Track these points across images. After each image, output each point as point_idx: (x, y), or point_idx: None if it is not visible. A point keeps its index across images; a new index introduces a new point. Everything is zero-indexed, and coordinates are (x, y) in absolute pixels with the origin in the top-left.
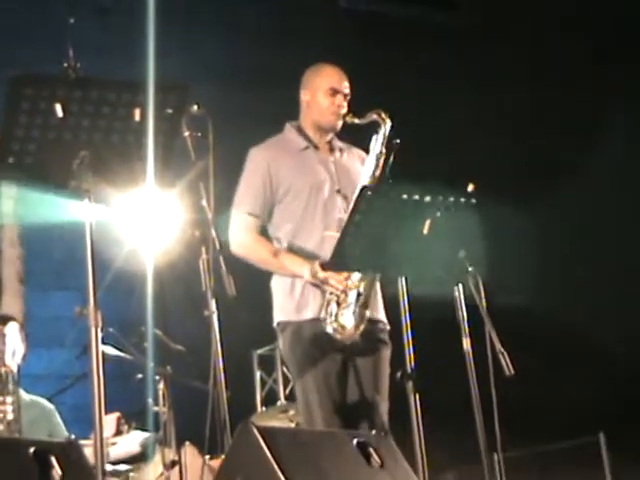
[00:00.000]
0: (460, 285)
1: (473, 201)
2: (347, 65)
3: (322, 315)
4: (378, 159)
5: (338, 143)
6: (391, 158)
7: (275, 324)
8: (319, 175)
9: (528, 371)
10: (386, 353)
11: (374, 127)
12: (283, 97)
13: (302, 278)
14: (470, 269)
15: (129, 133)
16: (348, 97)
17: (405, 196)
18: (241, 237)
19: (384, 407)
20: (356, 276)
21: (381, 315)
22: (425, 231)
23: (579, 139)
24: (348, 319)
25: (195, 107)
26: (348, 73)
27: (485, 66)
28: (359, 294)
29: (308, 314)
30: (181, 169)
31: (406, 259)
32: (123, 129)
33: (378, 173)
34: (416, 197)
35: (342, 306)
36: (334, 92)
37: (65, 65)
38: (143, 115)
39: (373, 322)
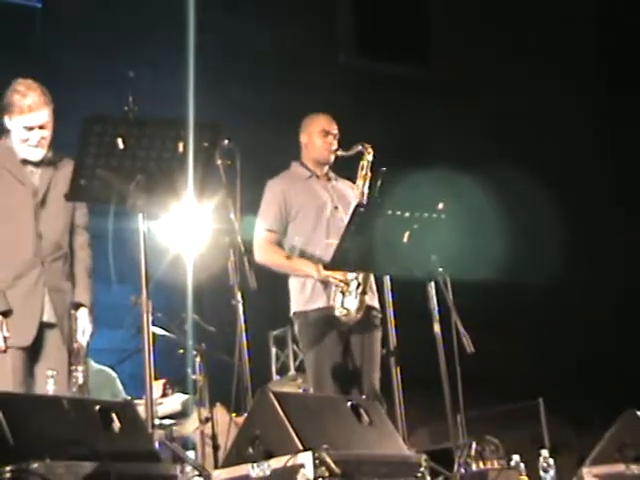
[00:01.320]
0: (432, 282)
1: (443, 217)
2: (342, 110)
3: (331, 303)
4: (365, 181)
5: (332, 175)
6: (379, 183)
7: (291, 314)
8: (322, 198)
9: (486, 349)
10: (378, 334)
11: (359, 157)
12: (293, 134)
13: (312, 277)
14: (440, 269)
15: (174, 161)
16: (337, 137)
17: (390, 212)
18: (262, 248)
19: (376, 377)
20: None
21: (375, 303)
22: (405, 240)
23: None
24: (351, 304)
25: (226, 141)
26: (343, 116)
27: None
28: (359, 284)
29: (316, 305)
30: (214, 189)
31: (391, 262)
32: (170, 158)
33: (366, 190)
34: (398, 213)
35: (346, 295)
36: (326, 133)
37: (125, 108)
38: (185, 147)
39: (369, 308)
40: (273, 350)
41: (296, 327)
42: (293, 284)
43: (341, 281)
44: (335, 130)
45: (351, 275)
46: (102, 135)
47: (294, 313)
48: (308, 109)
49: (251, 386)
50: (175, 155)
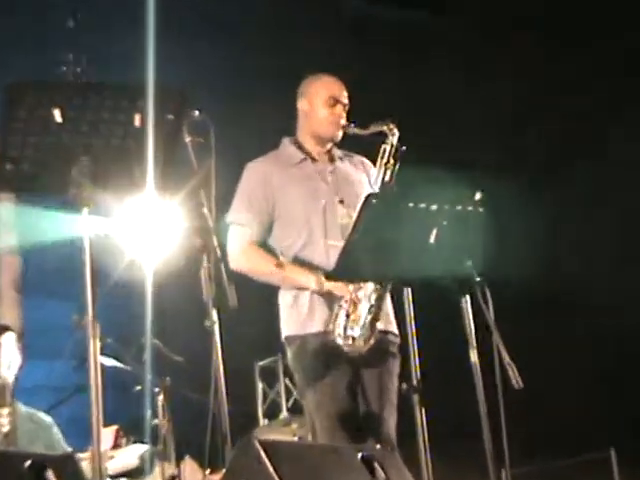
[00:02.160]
0: (467, 296)
1: (481, 210)
2: (347, 68)
3: (330, 327)
4: (386, 169)
5: (338, 152)
6: (397, 165)
7: (282, 338)
8: (313, 185)
9: (537, 384)
10: (395, 366)
11: (380, 137)
12: (284, 103)
13: (308, 290)
14: (478, 279)
15: (129, 139)
16: (347, 107)
17: (411, 204)
18: (239, 250)
19: (392, 421)
20: (369, 287)
21: (392, 326)
22: (432, 240)
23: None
24: (357, 332)
25: (197, 112)
26: (348, 75)
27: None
28: (371, 306)
29: (315, 327)
30: (182, 176)
31: (412, 269)
32: (123, 135)
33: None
34: (422, 205)
35: (351, 318)
36: (334, 102)
37: (64, 69)
38: (143, 120)
39: (383, 333)
40: (260, 386)
41: (289, 356)
42: (284, 299)
43: (346, 300)
44: (345, 98)
45: (361, 293)
46: (33, 106)
47: (286, 338)
48: (304, 71)
49: (231, 433)
50: (130, 130)
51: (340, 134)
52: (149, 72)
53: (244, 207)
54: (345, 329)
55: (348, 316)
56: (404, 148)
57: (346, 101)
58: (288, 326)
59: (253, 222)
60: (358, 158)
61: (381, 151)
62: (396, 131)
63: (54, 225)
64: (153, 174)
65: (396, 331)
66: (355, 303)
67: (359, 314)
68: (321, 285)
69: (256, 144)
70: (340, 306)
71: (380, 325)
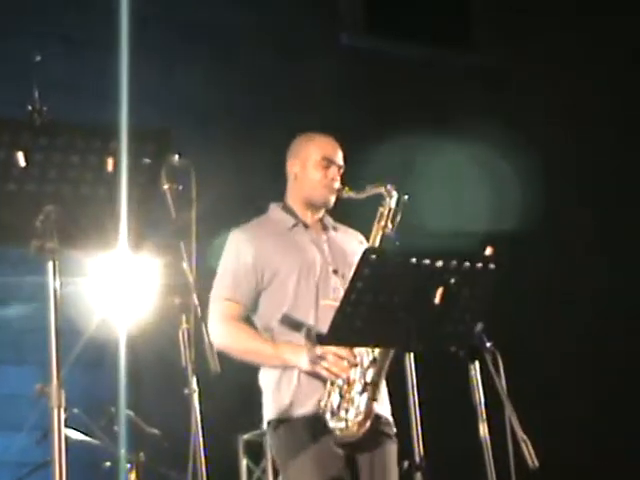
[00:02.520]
0: (477, 363)
1: (491, 266)
2: (349, 106)
3: (322, 408)
4: (384, 231)
5: (330, 221)
6: (398, 217)
7: (265, 423)
8: (309, 254)
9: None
10: (392, 448)
11: (377, 199)
12: (276, 144)
13: (297, 367)
14: (488, 345)
15: (101, 185)
16: (342, 170)
17: (414, 260)
18: (220, 326)
19: None
20: (365, 362)
21: (385, 409)
22: (437, 300)
23: None
24: (352, 414)
25: (176, 157)
26: (350, 114)
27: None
28: (366, 384)
29: (303, 409)
30: (159, 227)
31: (415, 332)
32: (94, 181)
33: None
34: (427, 261)
35: (346, 398)
36: (328, 163)
37: (29, 108)
38: (117, 165)
39: (376, 417)
40: (244, 462)
41: (272, 442)
42: (265, 381)
43: (337, 376)
44: (340, 159)
45: (354, 372)
46: None
47: (269, 422)
48: (298, 108)
49: None
50: (102, 176)
51: (333, 199)
52: (123, 109)
53: (227, 280)
54: (338, 410)
55: (342, 397)
56: (407, 197)
57: (341, 162)
58: (270, 410)
59: (237, 296)
60: (353, 232)
61: (378, 215)
62: (394, 193)
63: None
64: (127, 226)
65: (389, 415)
66: (349, 382)
67: (354, 394)
68: (312, 356)
69: (243, 192)
70: (333, 383)
71: (376, 407)
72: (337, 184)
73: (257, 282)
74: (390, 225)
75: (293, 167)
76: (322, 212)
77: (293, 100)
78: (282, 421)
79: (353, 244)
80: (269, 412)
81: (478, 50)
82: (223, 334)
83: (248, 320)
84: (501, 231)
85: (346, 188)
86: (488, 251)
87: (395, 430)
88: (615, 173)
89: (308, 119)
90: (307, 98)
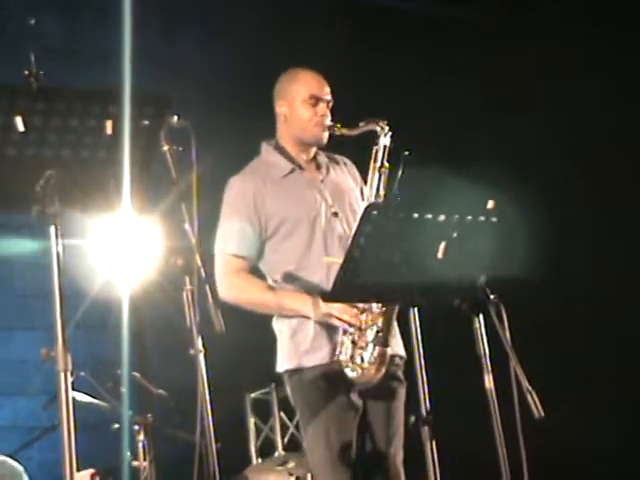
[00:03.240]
0: (481, 315)
1: (494, 219)
2: (346, 64)
3: (336, 357)
4: (381, 174)
5: (324, 158)
6: (400, 172)
7: (281, 371)
8: (308, 198)
9: (563, 411)
10: (402, 393)
11: (371, 137)
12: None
13: (307, 318)
14: (491, 296)
15: (100, 148)
16: (331, 104)
17: (416, 215)
18: (228, 280)
19: (399, 457)
20: (374, 309)
21: (399, 348)
22: (440, 255)
23: None
24: (367, 360)
25: (175, 118)
26: (347, 72)
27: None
28: (378, 331)
29: (318, 359)
30: (160, 189)
31: (418, 287)
32: (94, 144)
33: (383, 190)
34: (429, 216)
35: (359, 345)
36: (315, 100)
37: (26, 72)
38: (116, 128)
39: (390, 358)
40: (251, 421)
41: (289, 390)
42: (281, 329)
43: (351, 325)
44: (328, 94)
45: (368, 315)
46: None
47: (285, 372)
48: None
49: (220, 474)
50: (101, 139)
51: (326, 136)
52: (124, 73)
53: (230, 232)
54: (353, 358)
55: (355, 344)
56: (407, 152)
57: (329, 97)
58: (287, 359)
59: (242, 250)
60: (341, 160)
61: (373, 153)
62: (388, 130)
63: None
64: (128, 187)
65: (403, 352)
66: (361, 329)
67: (366, 340)
68: (319, 311)
69: (243, 153)
70: (345, 332)
71: (388, 349)
72: (328, 120)
73: (261, 233)
74: (386, 164)
75: (281, 108)
76: (314, 150)
77: (292, 61)
78: (297, 370)
79: (346, 178)
80: (284, 361)
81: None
82: (232, 287)
83: (255, 271)
84: None
85: (338, 125)
86: (490, 204)
87: (404, 361)
88: None
89: None
90: (305, 59)
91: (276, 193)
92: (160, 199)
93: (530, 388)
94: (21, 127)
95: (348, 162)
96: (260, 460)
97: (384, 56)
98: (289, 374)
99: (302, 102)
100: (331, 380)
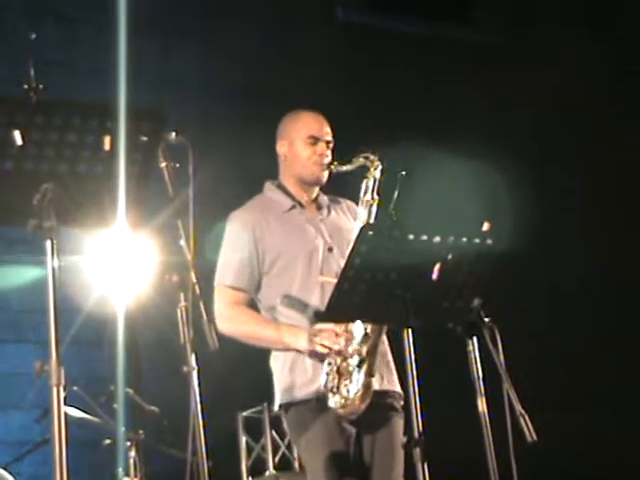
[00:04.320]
0: (475, 338)
1: (489, 242)
2: (345, 84)
3: (322, 388)
4: (370, 206)
5: (325, 199)
6: (396, 193)
7: (277, 407)
8: (311, 237)
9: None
10: (399, 422)
11: (364, 171)
12: (274, 118)
13: (299, 351)
14: (486, 320)
15: (98, 164)
16: (331, 145)
17: (412, 236)
18: (224, 311)
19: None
20: (357, 337)
21: (394, 385)
22: (434, 276)
23: None
24: (352, 390)
25: (173, 134)
26: (348, 90)
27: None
28: (362, 360)
29: (309, 392)
30: (156, 205)
31: (412, 308)
32: (91, 159)
33: (372, 220)
34: (424, 237)
35: (344, 375)
36: (315, 140)
37: (25, 86)
38: (114, 143)
39: (384, 392)
40: (243, 439)
41: (285, 424)
42: (277, 362)
43: (332, 350)
44: (328, 134)
45: (351, 345)
46: None
47: (280, 405)
48: (293, 86)
49: None
50: (99, 154)
51: (326, 175)
52: (120, 89)
53: (229, 267)
54: (338, 389)
55: (340, 374)
56: (404, 172)
57: (329, 138)
58: (281, 393)
59: (240, 282)
60: (346, 204)
61: (363, 187)
62: (378, 163)
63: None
64: (124, 203)
65: (399, 390)
66: (344, 357)
67: (351, 369)
68: (312, 337)
69: (240, 170)
70: (330, 363)
71: (378, 385)
72: (327, 159)
73: (259, 267)
74: (376, 197)
75: (282, 148)
76: (316, 191)
77: (291, 78)
78: (291, 404)
79: (349, 220)
80: (279, 396)
81: (478, 27)
82: (228, 320)
83: (252, 305)
84: None
85: (335, 163)
86: (485, 227)
87: (402, 403)
88: None
89: (306, 96)
90: (305, 75)
91: (275, 227)
92: (155, 215)
93: (523, 412)
94: (19, 141)
95: (351, 204)
96: (251, 479)
97: (383, 74)
98: (284, 409)
99: (302, 141)
100: (321, 411)
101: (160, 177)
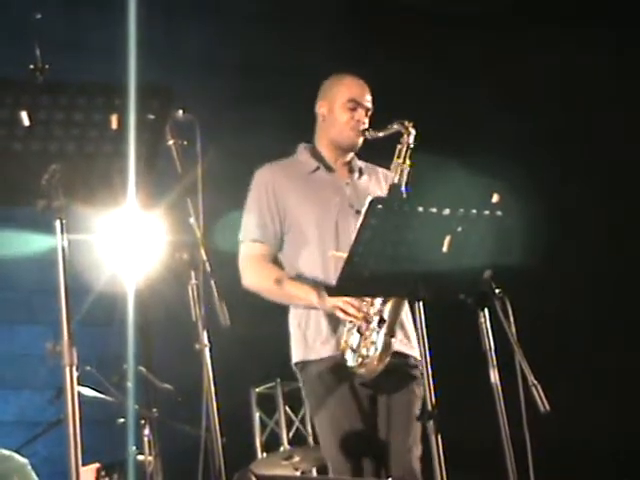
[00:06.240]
0: (486, 310)
1: (499, 213)
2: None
3: (342, 347)
4: (402, 170)
5: (359, 163)
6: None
7: (293, 363)
8: (325, 197)
9: (568, 405)
10: (418, 391)
11: (397, 138)
12: (281, 95)
13: (316, 308)
14: (497, 290)
15: (105, 142)
16: (370, 112)
17: (421, 209)
18: (247, 267)
19: (416, 452)
20: (379, 300)
21: (412, 350)
22: (444, 248)
23: None
24: (372, 350)
25: (180, 112)
26: (351, 65)
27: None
28: (382, 320)
29: (319, 353)
30: (165, 183)
31: (423, 281)
32: (99, 138)
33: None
34: (434, 210)
35: (364, 335)
36: (355, 105)
37: (31, 67)
38: (121, 122)
39: (403, 356)
40: (257, 415)
41: (300, 382)
42: (292, 321)
43: (355, 316)
44: (368, 102)
45: (373, 307)
46: None
47: (295, 364)
48: (302, 58)
49: (226, 469)
50: (107, 133)
51: (360, 141)
52: (129, 67)
53: (253, 221)
54: (358, 348)
55: (361, 334)
56: (412, 146)
57: (369, 105)
58: (296, 351)
59: (263, 236)
60: (383, 172)
61: (397, 151)
62: (412, 130)
63: (21, 243)
64: (133, 181)
65: (417, 354)
66: (367, 319)
67: (372, 332)
68: (323, 301)
69: (248, 146)
70: (351, 323)
71: (400, 346)
72: (364, 126)
73: (281, 224)
74: (408, 161)
75: (321, 109)
76: (350, 155)
77: (298, 55)
78: (308, 362)
79: (379, 184)
80: (296, 354)
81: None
82: (249, 274)
83: (276, 261)
84: None
85: (370, 129)
86: (495, 198)
87: (421, 369)
88: None
89: (315, 73)
90: (313, 50)
91: (294, 191)
92: (165, 193)
93: (536, 382)
94: (26, 121)
95: (388, 173)
96: (265, 454)
97: (387, 56)
98: (300, 367)
99: (341, 105)
100: (337, 371)
101: (168, 155)
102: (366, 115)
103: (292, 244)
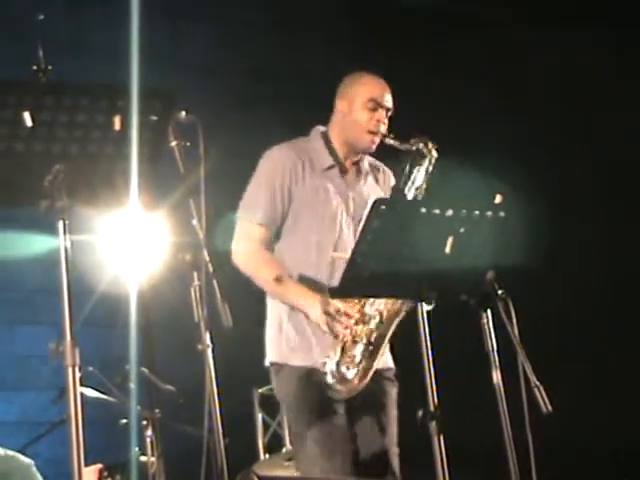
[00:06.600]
0: (489, 311)
1: (501, 214)
2: (351, 60)
3: (322, 363)
4: (418, 195)
5: (366, 164)
6: (407, 167)
7: (268, 363)
8: (335, 199)
9: (570, 406)
10: (393, 392)
11: (416, 155)
12: (282, 97)
13: (306, 315)
14: (500, 292)
15: (108, 143)
16: (390, 112)
17: (424, 210)
18: (242, 246)
19: (394, 451)
20: (371, 323)
21: (388, 362)
22: (447, 250)
23: None
24: (353, 372)
25: (183, 113)
26: (356, 68)
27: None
28: (370, 344)
29: (306, 360)
30: (168, 184)
31: (426, 282)
32: (101, 139)
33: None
34: (436, 211)
35: (348, 354)
36: (375, 105)
37: (34, 68)
38: (124, 123)
39: (379, 370)
40: (259, 416)
41: (274, 383)
42: (272, 315)
43: (344, 335)
44: (388, 102)
45: (360, 330)
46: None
47: (272, 364)
48: (303, 60)
49: (228, 470)
50: (109, 134)
51: (375, 146)
52: (132, 69)
53: (262, 197)
54: (339, 367)
55: (344, 352)
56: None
57: (389, 105)
58: (274, 352)
59: (265, 219)
60: (385, 173)
61: (414, 173)
62: (435, 153)
63: (24, 243)
64: (136, 183)
65: (392, 364)
66: (354, 338)
67: (356, 352)
68: (317, 313)
69: (250, 147)
70: (337, 337)
71: (380, 364)
72: (383, 128)
73: (284, 208)
74: (425, 185)
75: (341, 106)
76: (360, 155)
77: (300, 56)
78: (283, 366)
79: (382, 190)
80: (272, 353)
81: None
82: (242, 253)
83: (272, 247)
84: None
85: (391, 135)
86: (498, 199)
87: (394, 370)
88: None
89: (315, 75)
90: (313, 53)
91: (308, 182)
92: (167, 194)
93: (538, 383)
94: (29, 122)
95: (389, 174)
96: (268, 455)
97: (387, 56)
98: (275, 368)
99: (362, 105)
100: (316, 382)
101: (171, 156)
102: (386, 115)
103: (290, 237)
